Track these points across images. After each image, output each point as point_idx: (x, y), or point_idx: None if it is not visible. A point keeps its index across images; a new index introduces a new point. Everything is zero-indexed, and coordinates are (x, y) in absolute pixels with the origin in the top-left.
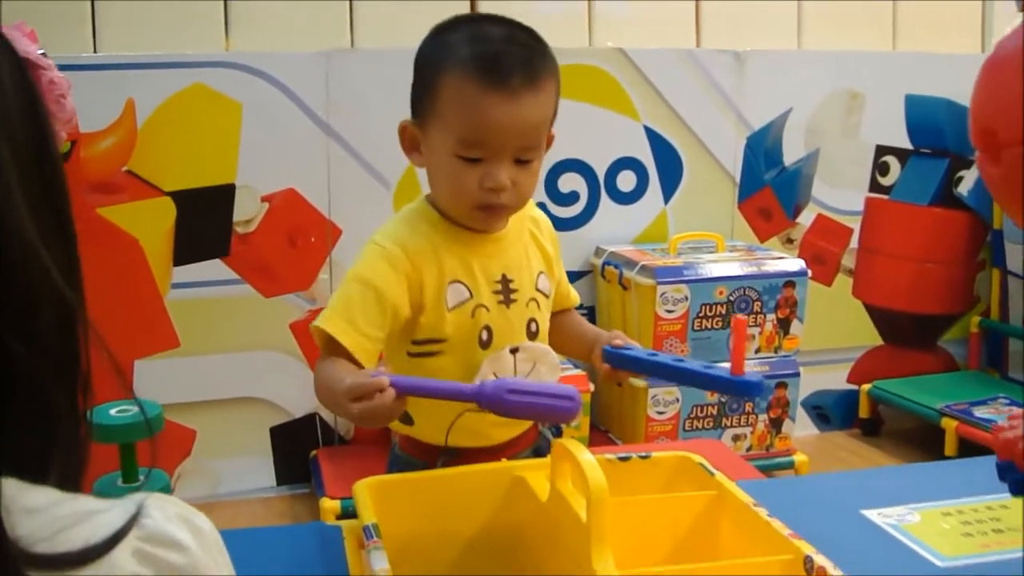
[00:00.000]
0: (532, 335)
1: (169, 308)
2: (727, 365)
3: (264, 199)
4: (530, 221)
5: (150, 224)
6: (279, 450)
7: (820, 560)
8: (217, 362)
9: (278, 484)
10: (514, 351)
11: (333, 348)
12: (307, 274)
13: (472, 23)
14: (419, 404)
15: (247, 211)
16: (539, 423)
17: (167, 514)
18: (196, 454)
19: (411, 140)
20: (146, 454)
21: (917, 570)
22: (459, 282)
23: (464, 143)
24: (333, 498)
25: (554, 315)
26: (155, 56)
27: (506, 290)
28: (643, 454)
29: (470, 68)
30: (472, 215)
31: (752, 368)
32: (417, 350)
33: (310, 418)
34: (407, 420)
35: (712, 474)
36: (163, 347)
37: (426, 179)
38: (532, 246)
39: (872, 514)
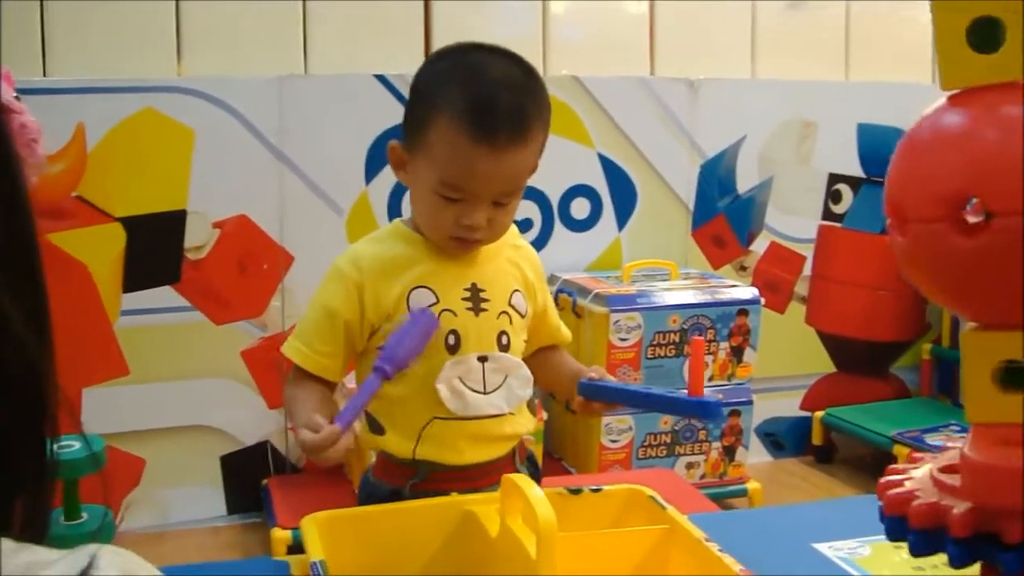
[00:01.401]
0: (503, 348)
1: (118, 335)
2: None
3: (215, 225)
4: (510, 247)
5: (100, 250)
6: (230, 479)
7: None
8: (167, 390)
9: (229, 513)
10: (482, 359)
11: (300, 370)
12: (259, 301)
13: (469, 55)
14: (390, 412)
15: (198, 237)
16: (521, 455)
17: (118, 566)
18: (145, 483)
19: (398, 160)
20: (89, 490)
21: None
22: (424, 287)
23: (445, 184)
24: (284, 528)
25: (542, 350)
26: (106, 80)
27: (475, 298)
28: (594, 487)
29: (461, 117)
30: (448, 243)
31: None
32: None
33: (261, 446)
34: (378, 430)
35: (664, 508)
36: (112, 375)
37: (378, 208)
38: (509, 265)
39: (823, 547)
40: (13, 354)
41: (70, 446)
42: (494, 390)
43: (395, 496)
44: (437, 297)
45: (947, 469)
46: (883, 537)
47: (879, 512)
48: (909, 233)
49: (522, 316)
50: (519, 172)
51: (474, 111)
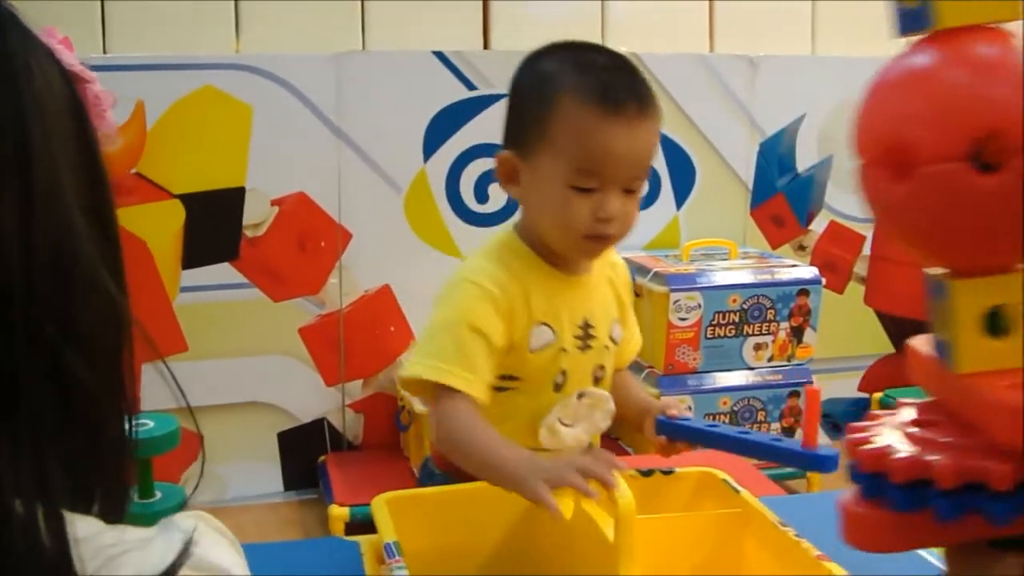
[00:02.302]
0: (596, 381)
1: (177, 312)
2: (793, 436)
3: (274, 203)
4: (609, 266)
5: (159, 227)
6: (287, 455)
7: None
8: (225, 366)
9: (286, 490)
10: (580, 395)
11: (451, 394)
12: (317, 278)
13: (571, 51)
14: None
15: (257, 215)
16: None
17: (214, 539)
18: (203, 459)
19: (510, 171)
20: (162, 468)
21: None
22: (545, 324)
23: (579, 171)
24: (342, 505)
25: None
26: (165, 57)
27: (586, 335)
28: (666, 469)
29: (587, 94)
30: (579, 245)
31: (766, 378)
32: (494, 384)
33: (318, 423)
34: None
35: (737, 491)
36: (171, 351)
37: (436, 185)
38: (610, 292)
39: None
40: (112, 331)
41: (144, 424)
42: (580, 422)
43: None
44: (555, 335)
45: (918, 423)
46: None
47: (851, 470)
48: (916, 178)
49: (617, 344)
50: (649, 149)
51: (599, 87)
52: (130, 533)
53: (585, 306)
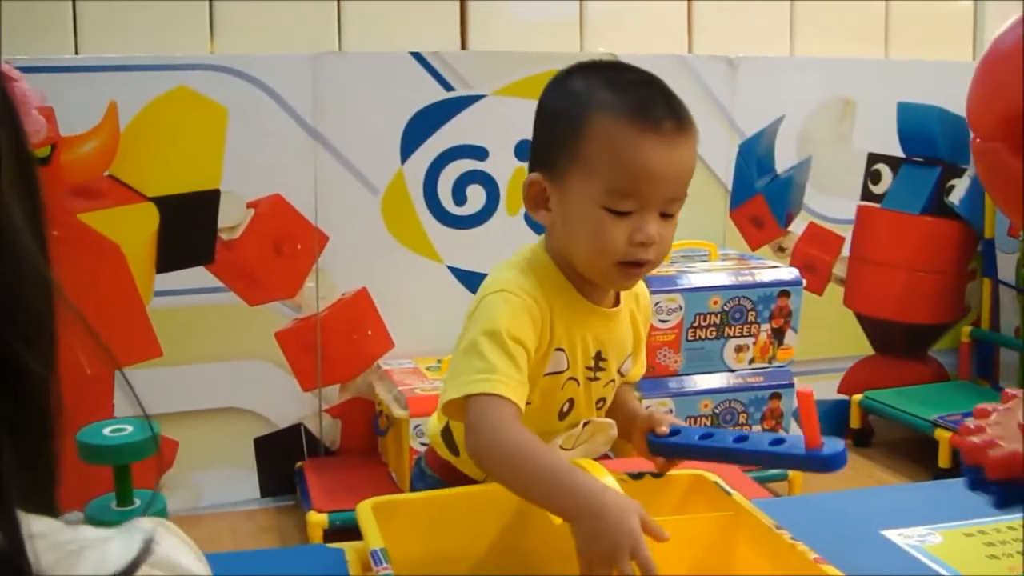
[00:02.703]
0: (598, 409)
1: (151, 316)
2: (788, 433)
3: (249, 205)
4: (633, 298)
5: (132, 230)
6: (263, 462)
7: None
8: (200, 372)
9: (262, 496)
10: (585, 423)
11: (496, 402)
12: (293, 282)
13: (599, 69)
14: None
15: (232, 217)
16: None
17: (174, 542)
18: (178, 466)
19: (539, 195)
20: (141, 475)
21: None
22: (562, 350)
23: (615, 193)
24: (320, 511)
25: None
26: (138, 58)
27: (597, 367)
28: (656, 472)
29: (622, 110)
30: (613, 272)
31: (747, 380)
32: None
33: (295, 429)
34: (454, 451)
35: (728, 493)
36: (145, 356)
37: (413, 187)
38: (630, 327)
39: (893, 535)
40: (25, 270)
41: (123, 430)
42: (580, 446)
43: None
44: (568, 363)
45: None
46: (953, 524)
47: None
48: (975, 149)
49: (623, 377)
50: (688, 168)
51: (634, 103)
52: (87, 532)
53: (602, 339)
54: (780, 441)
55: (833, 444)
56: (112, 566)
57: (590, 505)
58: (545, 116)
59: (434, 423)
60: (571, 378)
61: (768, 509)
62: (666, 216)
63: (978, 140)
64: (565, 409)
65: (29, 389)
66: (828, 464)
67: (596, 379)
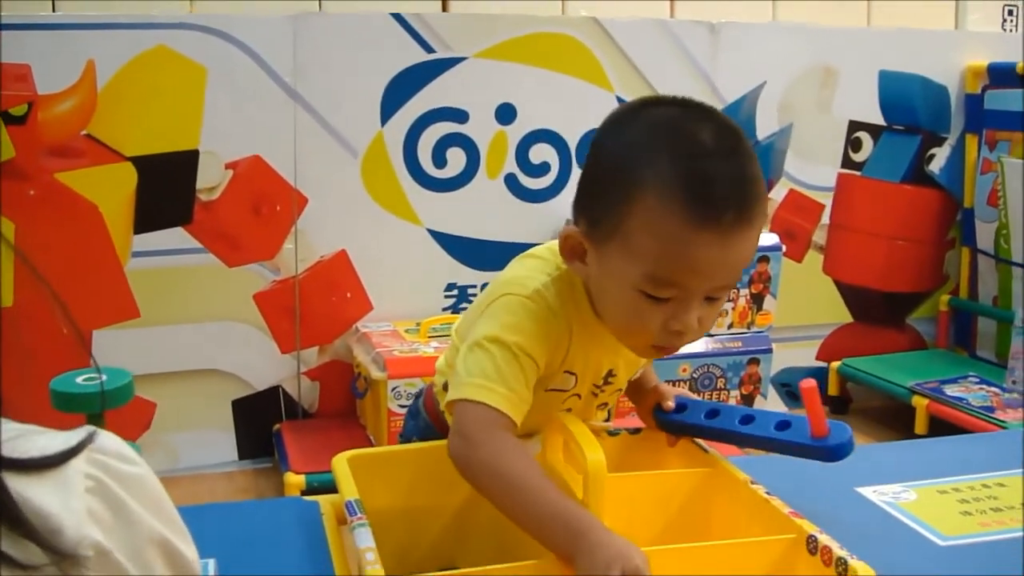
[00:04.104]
0: (598, 411)
1: (129, 277)
2: (790, 411)
3: (228, 166)
4: None
5: (110, 190)
6: (241, 424)
7: (824, 539)
8: (178, 333)
9: (240, 458)
10: None
11: (491, 414)
12: (272, 243)
13: (672, 121)
14: None
15: (211, 178)
16: None
17: (116, 439)
18: (155, 427)
19: (576, 249)
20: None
21: (919, 549)
22: (571, 373)
23: (655, 281)
24: (298, 472)
25: None
26: (116, 16)
27: (605, 384)
28: (633, 429)
29: (675, 194)
30: (643, 352)
31: (726, 345)
32: None
33: (273, 391)
34: None
35: (705, 450)
36: (123, 317)
37: (393, 150)
38: None
39: (867, 491)
40: None
41: (94, 379)
42: None
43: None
44: (576, 383)
45: None
46: (927, 482)
47: None
48: None
49: (635, 378)
50: (745, 259)
51: (694, 187)
52: (28, 427)
53: (614, 358)
54: (786, 424)
55: (840, 431)
56: (55, 447)
57: (589, 539)
58: (597, 162)
59: (439, 372)
60: (575, 395)
61: (744, 467)
62: (711, 300)
63: None
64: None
65: None
66: (835, 452)
67: (603, 391)
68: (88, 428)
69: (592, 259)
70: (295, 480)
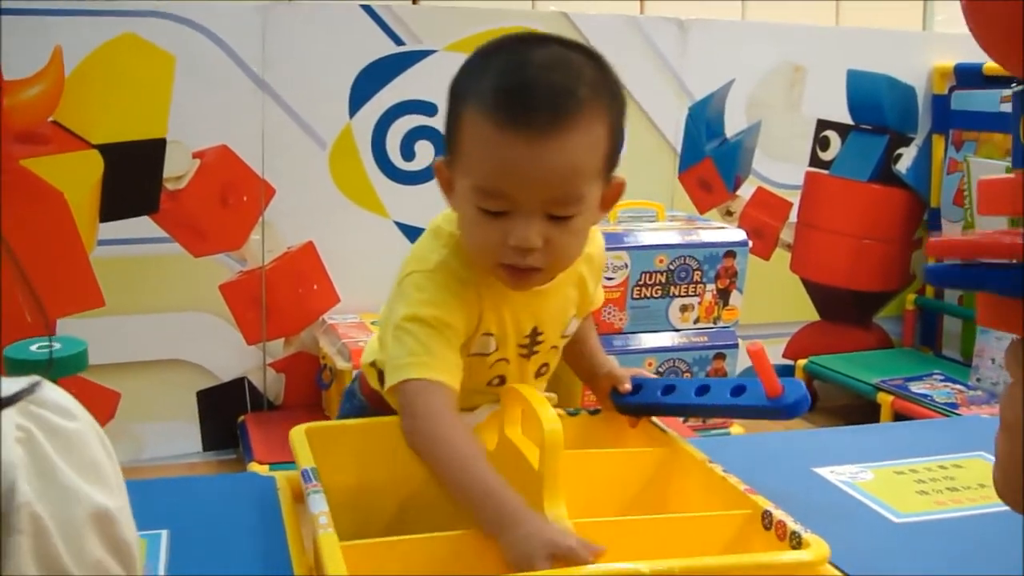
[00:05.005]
0: (539, 375)
1: (94, 265)
2: (744, 378)
3: (196, 155)
4: (584, 261)
5: (76, 178)
6: (206, 415)
7: (779, 514)
8: (143, 323)
9: (204, 449)
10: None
11: (428, 386)
12: (238, 234)
13: (516, 45)
14: None
15: (178, 167)
16: None
17: (63, 394)
18: (120, 417)
19: (446, 181)
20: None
21: (874, 525)
22: (489, 334)
23: (482, 192)
24: (262, 463)
25: None
26: (84, 3)
27: (532, 343)
28: (592, 409)
29: (488, 102)
30: (499, 273)
31: (692, 339)
32: None
33: (238, 382)
34: (383, 382)
35: (664, 430)
36: (87, 306)
37: (361, 142)
38: (573, 293)
39: (825, 471)
40: None
41: (48, 347)
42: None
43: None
44: (497, 346)
45: None
46: (885, 463)
47: (926, 273)
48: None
49: (567, 337)
50: (569, 169)
51: (503, 92)
52: None
53: (537, 316)
54: (741, 389)
55: (794, 388)
56: None
57: (514, 518)
58: (448, 96)
59: (369, 349)
60: (501, 359)
61: (703, 447)
62: (558, 218)
63: None
64: (495, 383)
65: None
66: (792, 410)
67: (534, 353)
68: (33, 378)
69: (455, 186)
70: (259, 470)
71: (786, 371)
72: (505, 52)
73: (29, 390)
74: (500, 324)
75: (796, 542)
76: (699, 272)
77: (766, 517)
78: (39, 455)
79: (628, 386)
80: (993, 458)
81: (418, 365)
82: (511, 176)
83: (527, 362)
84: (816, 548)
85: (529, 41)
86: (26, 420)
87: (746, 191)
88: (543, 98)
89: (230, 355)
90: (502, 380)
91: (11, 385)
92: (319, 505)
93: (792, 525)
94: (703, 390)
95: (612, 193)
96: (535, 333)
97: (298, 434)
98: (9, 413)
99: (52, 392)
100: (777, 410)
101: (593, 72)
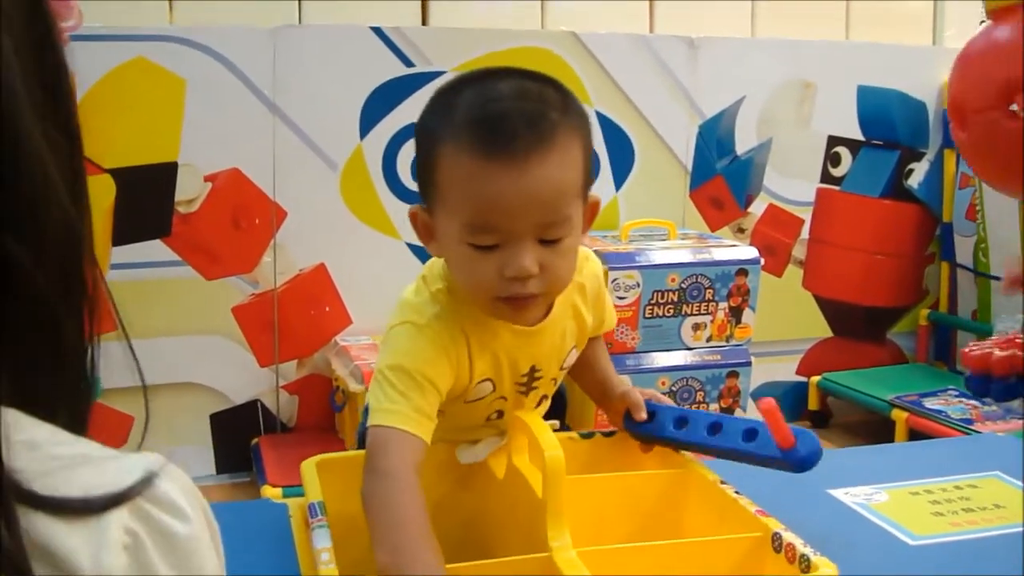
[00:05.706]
0: (537, 407)
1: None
2: (758, 421)
3: (207, 178)
4: (576, 291)
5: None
6: (219, 437)
7: (789, 537)
8: (156, 346)
9: (218, 472)
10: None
11: (400, 439)
12: (250, 256)
13: (479, 80)
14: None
15: (190, 190)
16: None
17: (179, 485)
18: (133, 441)
19: (424, 227)
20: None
21: (889, 548)
22: (487, 380)
23: (472, 228)
24: (275, 486)
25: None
26: (96, 28)
27: (530, 380)
28: (607, 431)
29: (464, 137)
30: (497, 308)
31: (704, 358)
32: None
33: (251, 405)
34: None
35: (677, 451)
36: (100, 330)
37: (372, 163)
38: (572, 323)
39: (839, 493)
40: (56, 220)
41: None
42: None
43: None
44: (494, 387)
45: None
46: (900, 484)
47: (965, 381)
48: (969, 125)
49: (565, 369)
50: (555, 191)
51: (479, 124)
52: (93, 448)
53: (534, 356)
54: (754, 433)
55: (807, 441)
56: (103, 487)
57: None
58: (416, 139)
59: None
60: (499, 398)
61: (717, 468)
62: (548, 242)
63: (969, 117)
64: (493, 418)
65: (45, 318)
66: (804, 463)
67: (533, 388)
68: (150, 463)
69: (437, 233)
70: (272, 494)
71: (800, 388)
72: (469, 88)
73: (146, 482)
74: (496, 368)
75: (805, 565)
76: (711, 290)
77: (776, 539)
78: (143, 563)
79: (644, 415)
80: (1009, 479)
81: (393, 413)
82: (499, 207)
83: (525, 397)
84: (825, 571)
85: (490, 75)
86: (135, 522)
87: (757, 208)
88: (520, 124)
89: (243, 378)
90: (499, 415)
91: (121, 474)
92: (323, 541)
93: (801, 548)
94: (715, 428)
95: (589, 212)
96: (533, 371)
97: (308, 467)
98: (119, 515)
99: (167, 484)
100: (788, 462)
101: (559, 97)
